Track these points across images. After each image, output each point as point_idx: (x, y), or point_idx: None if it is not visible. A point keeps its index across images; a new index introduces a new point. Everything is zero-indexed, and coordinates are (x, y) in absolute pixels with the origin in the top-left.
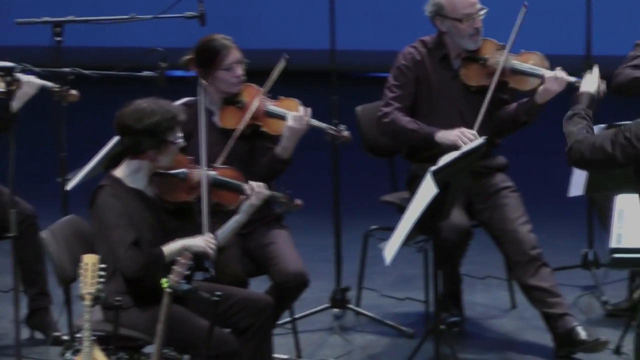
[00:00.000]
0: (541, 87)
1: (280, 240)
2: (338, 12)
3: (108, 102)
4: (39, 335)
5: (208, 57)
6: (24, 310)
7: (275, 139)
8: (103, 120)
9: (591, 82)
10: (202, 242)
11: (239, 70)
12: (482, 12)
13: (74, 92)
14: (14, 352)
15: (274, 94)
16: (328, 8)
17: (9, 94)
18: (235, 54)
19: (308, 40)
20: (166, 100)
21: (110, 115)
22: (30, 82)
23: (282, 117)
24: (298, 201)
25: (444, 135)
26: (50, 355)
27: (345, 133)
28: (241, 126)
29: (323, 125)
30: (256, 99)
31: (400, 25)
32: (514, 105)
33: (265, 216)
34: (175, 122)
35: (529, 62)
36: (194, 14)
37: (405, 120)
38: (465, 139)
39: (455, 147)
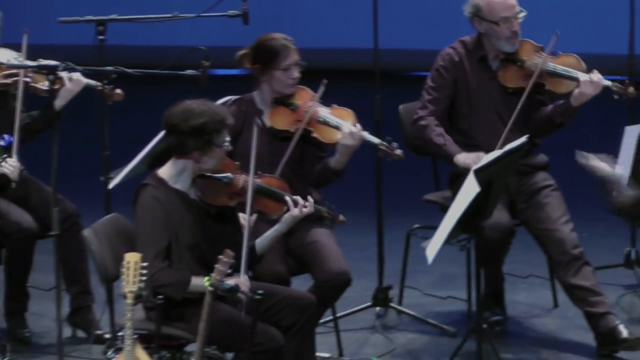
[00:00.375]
0: (576, 90)
1: (323, 238)
2: (381, 11)
3: (151, 100)
4: (81, 333)
5: (267, 56)
6: (66, 309)
7: (324, 146)
8: (145, 119)
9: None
10: (243, 284)
11: (296, 73)
12: (520, 15)
13: (118, 91)
14: (56, 350)
15: (325, 101)
16: (371, 7)
17: (52, 93)
18: (294, 56)
19: (351, 39)
20: (216, 103)
21: (153, 114)
22: (76, 81)
23: (334, 126)
24: (341, 217)
25: (463, 159)
26: (92, 354)
27: (398, 151)
28: (298, 131)
29: (376, 141)
30: (311, 104)
31: (443, 24)
32: (550, 107)
33: (309, 215)
34: (223, 125)
35: (566, 65)
36: (237, 12)
37: (435, 133)
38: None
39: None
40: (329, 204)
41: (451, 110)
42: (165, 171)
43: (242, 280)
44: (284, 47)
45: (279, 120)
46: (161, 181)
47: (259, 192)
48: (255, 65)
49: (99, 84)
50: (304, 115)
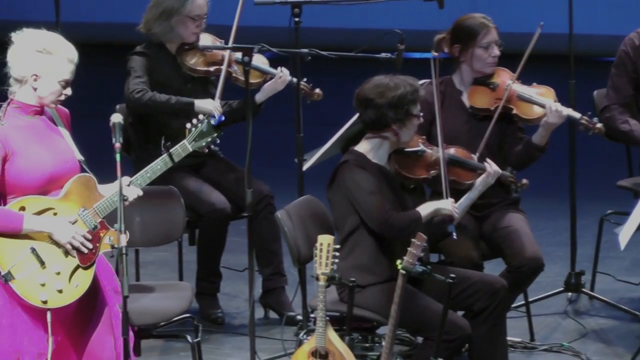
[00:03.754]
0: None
1: (517, 224)
2: None
3: (344, 83)
4: (273, 314)
5: (467, 35)
6: (258, 290)
7: (525, 122)
8: (339, 102)
9: None
10: (449, 205)
11: (496, 50)
12: None
13: (317, 90)
14: (247, 331)
15: (524, 79)
16: None
17: (246, 77)
18: (493, 34)
19: (547, 24)
20: (404, 75)
21: (347, 97)
22: (282, 80)
23: (535, 103)
24: (525, 180)
25: None
26: (284, 335)
27: (599, 125)
28: (498, 108)
29: (577, 115)
30: (510, 82)
31: (639, 9)
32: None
33: (502, 200)
34: (418, 95)
35: None
36: None
37: (620, 121)
38: None
39: None
40: (510, 169)
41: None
42: (362, 147)
43: (451, 202)
44: (483, 26)
45: (478, 99)
46: (361, 155)
47: (451, 162)
48: (455, 46)
49: (304, 85)
50: (503, 93)
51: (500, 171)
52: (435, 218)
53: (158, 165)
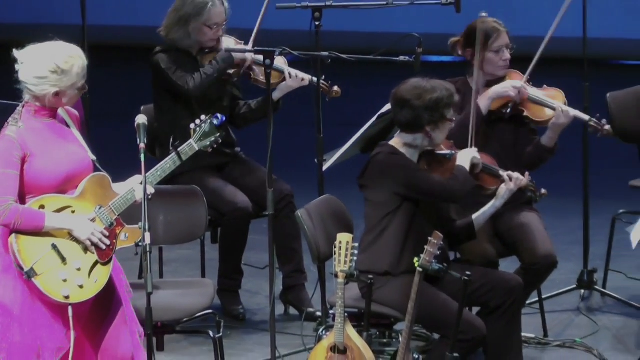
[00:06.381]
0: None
1: (531, 223)
2: (591, 0)
3: (364, 85)
4: (293, 311)
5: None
6: (279, 287)
7: (536, 124)
8: (359, 103)
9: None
10: (475, 152)
11: (507, 54)
12: None
13: (336, 88)
14: (268, 326)
15: (536, 81)
16: None
17: (267, 78)
18: (504, 38)
19: (561, 27)
20: (439, 80)
21: (366, 99)
22: (296, 78)
23: (545, 105)
24: (543, 190)
25: None
26: (304, 331)
27: (607, 127)
28: (508, 110)
29: (586, 117)
30: (521, 84)
31: None
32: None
33: (517, 199)
34: (453, 100)
35: None
36: (450, 0)
37: None
38: None
39: None
40: (530, 178)
41: None
42: (395, 142)
43: (473, 150)
44: (494, 30)
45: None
46: (394, 148)
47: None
48: (467, 50)
49: (324, 83)
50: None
51: (523, 181)
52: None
53: (167, 164)
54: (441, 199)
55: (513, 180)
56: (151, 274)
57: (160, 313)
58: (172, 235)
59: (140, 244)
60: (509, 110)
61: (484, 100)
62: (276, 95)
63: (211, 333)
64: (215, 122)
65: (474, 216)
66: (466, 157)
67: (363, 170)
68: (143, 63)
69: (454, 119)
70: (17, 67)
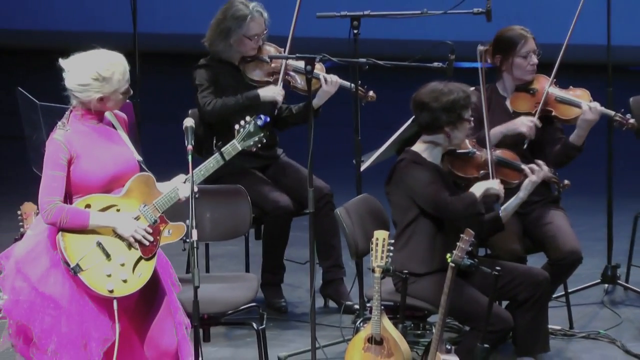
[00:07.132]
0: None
1: (558, 220)
2: (614, 7)
3: (399, 90)
4: (332, 304)
5: (507, 46)
6: (319, 281)
7: (564, 122)
8: (395, 107)
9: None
10: (496, 184)
11: (534, 59)
12: None
13: (371, 93)
14: (309, 318)
15: (562, 84)
16: (605, 4)
17: (309, 84)
18: (531, 44)
19: (585, 34)
20: (457, 82)
21: (401, 103)
22: (332, 82)
23: (572, 104)
24: (566, 181)
25: None
26: (342, 323)
27: (632, 120)
28: (537, 112)
29: (611, 112)
30: (547, 86)
31: None
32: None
33: (544, 197)
34: (469, 101)
35: None
36: (481, 10)
37: None
38: None
39: None
40: (553, 170)
41: None
42: (418, 147)
43: (497, 181)
44: (521, 36)
45: (520, 104)
46: (416, 154)
47: (499, 163)
48: (497, 56)
49: (354, 86)
50: (542, 97)
51: (546, 172)
52: (485, 197)
53: (211, 164)
54: (442, 216)
55: (535, 172)
56: (198, 269)
57: (207, 306)
58: (218, 231)
59: (187, 240)
60: (525, 146)
61: (497, 134)
62: (315, 102)
63: (254, 325)
64: (259, 122)
65: (500, 209)
66: (481, 186)
67: (389, 176)
68: (191, 69)
69: (471, 119)
70: (63, 75)
